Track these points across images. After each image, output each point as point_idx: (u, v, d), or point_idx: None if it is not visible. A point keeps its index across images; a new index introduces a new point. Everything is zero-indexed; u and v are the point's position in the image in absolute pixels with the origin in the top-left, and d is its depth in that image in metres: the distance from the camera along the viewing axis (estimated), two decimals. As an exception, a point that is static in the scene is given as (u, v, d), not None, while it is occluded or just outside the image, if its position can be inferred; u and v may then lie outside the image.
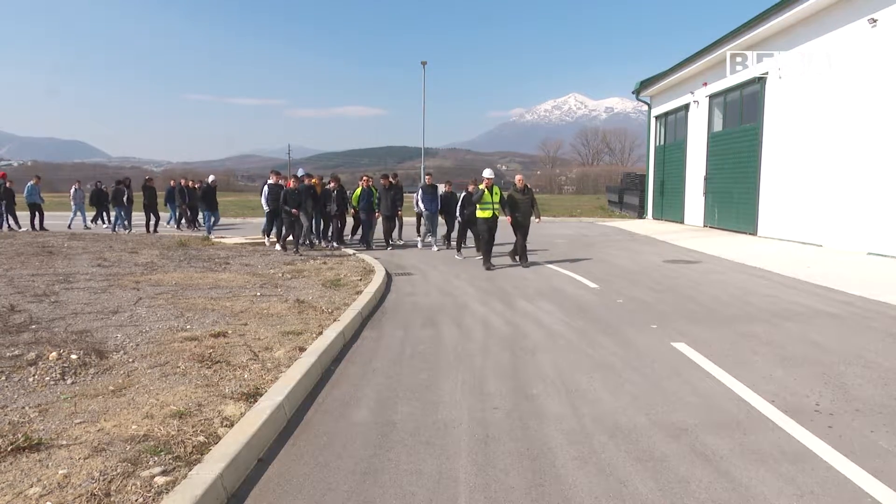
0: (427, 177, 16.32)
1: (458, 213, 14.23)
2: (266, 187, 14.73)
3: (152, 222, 19.88)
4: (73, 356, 5.03)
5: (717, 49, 18.53)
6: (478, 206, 12.00)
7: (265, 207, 14.63)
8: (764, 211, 16.94)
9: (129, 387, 4.48)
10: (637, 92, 26.58)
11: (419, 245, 15.85)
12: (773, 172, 16.43)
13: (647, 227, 22.78)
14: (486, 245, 12.09)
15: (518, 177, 12.89)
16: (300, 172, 15.90)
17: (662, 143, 25.70)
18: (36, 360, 4.91)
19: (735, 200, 18.67)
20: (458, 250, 14.19)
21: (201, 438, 3.57)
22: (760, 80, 16.93)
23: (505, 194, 12.30)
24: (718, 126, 20.18)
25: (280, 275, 10.21)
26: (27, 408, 4.03)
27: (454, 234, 15.18)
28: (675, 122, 24.22)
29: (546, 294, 9.07)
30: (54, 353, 5.03)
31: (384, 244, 15.69)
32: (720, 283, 9.86)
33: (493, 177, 12.04)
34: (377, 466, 3.50)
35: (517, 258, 12.38)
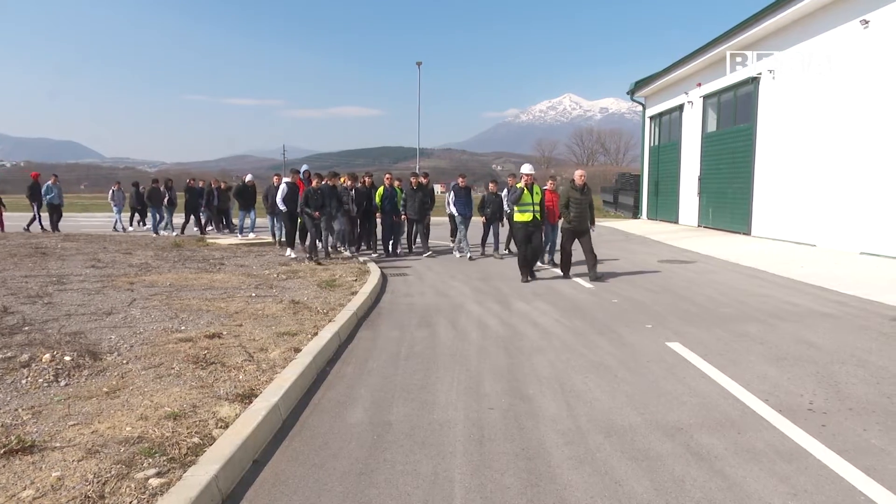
0: (460, 178, 14.44)
1: (481, 213, 13.44)
2: (284, 185, 13.08)
3: (191, 222, 19.47)
4: (67, 358, 5.00)
5: (710, 50, 18.60)
6: (515, 207, 10.29)
7: (282, 207, 12.93)
8: (758, 211, 17.00)
9: (124, 388, 4.47)
10: (632, 92, 26.65)
11: (455, 253, 13.96)
12: (767, 173, 16.50)
13: (642, 227, 22.83)
14: (522, 255, 10.40)
15: (579, 172, 10.52)
16: (303, 169, 14.44)
17: (657, 143, 25.77)
18: (29, 362, 4.89)
19: (729, 200, 18.73)
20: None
21: (196, 440, 3.56)
22: (754, 81, 17.00)
23: (541, 188, 10.75)
24: (712, 126, 20.25)
25: (275, 275, 10.19)
26: (20, 410, 4.01)
27: (486, 240, 14.20)
28: (669, 122, 24.29)
29: (541, 294, 9.08)
30: (48, 355, 5.00)
31: (406, 249, 14.59)
32: (714, 283, 9.89)
33: (533, 172, 10.29)
34: (373, 467, 3.50)
35: (567, 270, 10.66)
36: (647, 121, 26.60)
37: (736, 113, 18.62)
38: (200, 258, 12.36)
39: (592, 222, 10.51)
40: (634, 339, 6.42)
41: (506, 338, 6.51)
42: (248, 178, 19.04)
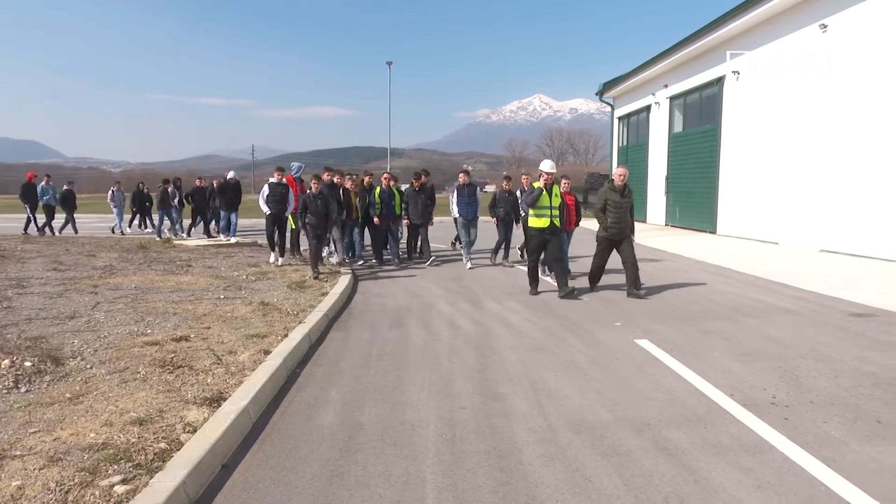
0: (462, 175, 12.52)
1: (491, 213, 12.20)
2: (266, 186, 11.83)
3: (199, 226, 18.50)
4: (28, 363, 4.87)
5: (677, 52, 18.92)
6: (531, 210, 8.74)
7: (264, 209, 11.60)
8: (723, 210, 17.35)
9: (87, 394, 4.37)
10: (600, 93, 26.97)
11: (466, 262, 12.05)
12: (732, 172, 16.85)
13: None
14: (533, 264, 9.06)
15: (619, 170, 8.93)
16: (295, 167, 13.12)
17: (625, 143, 26.12)
18: (-12, 368, 4.75)
19: (695, 200, 19.09)
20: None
21: (163, 445, 3.50)
22: (718, 82, 17.35)
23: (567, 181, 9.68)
24: (679, 127, 20.61)
25: (244, 277, 10.06)
26: (-21, 418, 3.89)
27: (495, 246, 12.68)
28: (637, 122, 24.65)
29: (513, 293, 9.13)
30: (7, 361, 4.86)
31: (406, 256, 13.14)
32: (682, 281, 10.06)
33: (553, 171, 8.70)
34: (344, 469, 3.48)
35: (595, 284, 9.22)
36: (616, 121, 26.95)
37: (701, 114, 18.99)
38: (167, 260, 12.14)
39: (632, 230, 8.91)
40: (604, 337, 6.50)
41: (478, 337, 6.53)
42: (231, 175, 17.33)
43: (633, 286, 8.66)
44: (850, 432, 3.91)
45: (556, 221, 8.73)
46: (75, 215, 19.82)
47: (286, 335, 6.07)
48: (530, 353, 5.91)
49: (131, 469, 3.22)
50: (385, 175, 12.91)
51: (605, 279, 9.42)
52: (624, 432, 3.95)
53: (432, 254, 12.99)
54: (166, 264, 11.46)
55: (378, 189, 12.47)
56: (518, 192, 11.77)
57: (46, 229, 18.83)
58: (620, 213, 8.62)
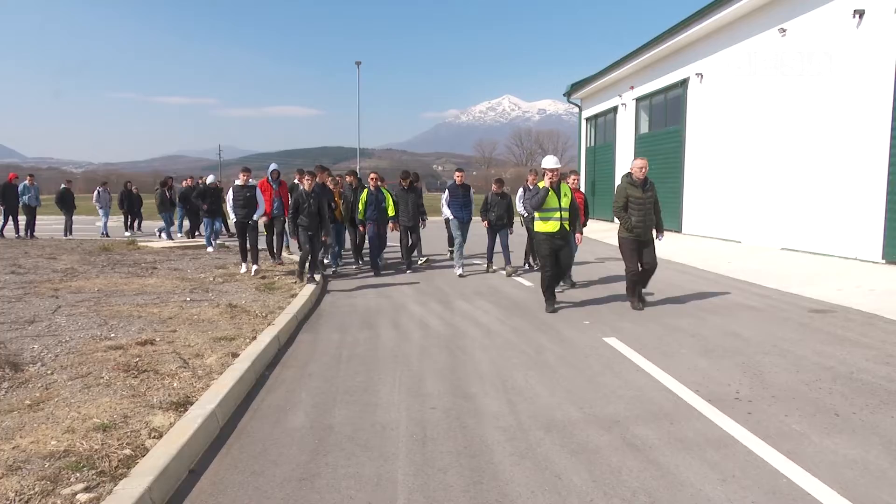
0: (458, 174, 11.51)
1: (483, 217, 11.08)
2: (231, 191, 10.60)
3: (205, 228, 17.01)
4: (-15, 370, 4.72)
5: (642, 54, 19.22)
6: (537, 214, 7.75)
7: (231, 216, 10.57)
8: (687, 210, 17.68)
9: (48, 400, 4.25)
10: (568, 94, 27.24)
11: (458, 269, 11.11)
12: (696, 173, 17.18)
13: (591, 226, 23.39)
14: (548, 276, 7.81)
15: (638, 162, 7.78)
16: (271, 168, 11.81)
17: (593, 144, 26.43)
18: (-58, 376, 4.59)
19: (661, 199, 19.36)
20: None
21: (128, 451, 3.43)
22: (683, 84, 17.68)
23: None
24: (645, 128, 20.93)
25: (211, 279, 9.91)
26: (-67, 427, 3.76)
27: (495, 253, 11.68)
28: (604, 123, 24.96)
29: (483, 293, 9.17)
30: (-37, 368, 4.71)
31: (406, 264, 11.81)
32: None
33: (559, 167, 7.72)
34: (314, 472, 3.45)
35: (638, 298, 7.96)
36: (584, 122, 27.25)
37: (667, 115, 19.32)
38: (131, 262, 11.89)
39: (660, 228, 8.00)
40: (573, 335, 6.57)
41: (448, 337, 6.54)
42: (211, 178, 16.11)
43: (639, 295, 7.95)
44: (810, 425, 4.02)
45: (567, 225, 7.71)
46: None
47: (254, 338, 6.00)
48: (500, 352, 5.94)
49: (95, 476, 3.14)
50: (372, 175, 11.57)
51: (579, 275, 9.50)
52: (593, 429, 4.00)
53: (415, 258, 12.33)
54: (130, 267, 11.22)
55: (366, 191, 11.28)
56: (521, 192, 11.04)
57: (27, 232, 17.86)
58: (645, 211, 7.68)
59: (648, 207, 7.75)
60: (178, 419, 3.89)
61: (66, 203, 18.79)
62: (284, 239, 12.20)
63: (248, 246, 10.66)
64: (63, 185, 19.28)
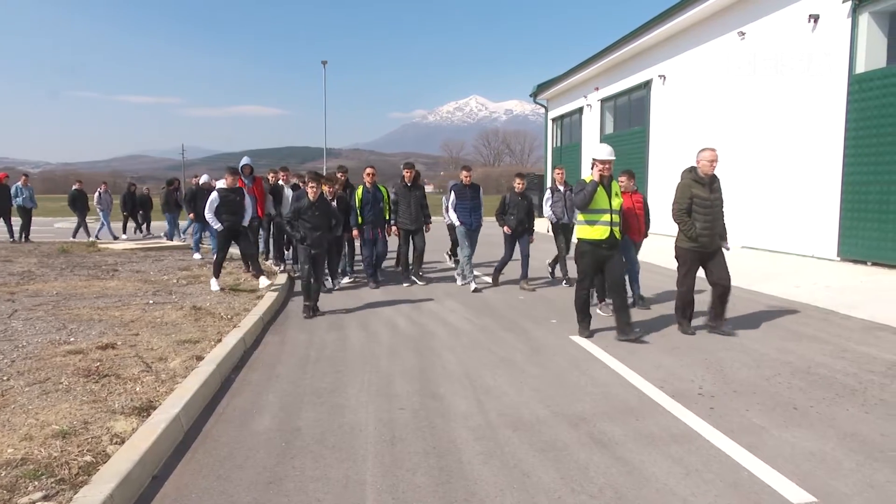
0: (465, 173, 9.72)
1: (500, 220, 9.51)
2: (215, 195, 8.93)
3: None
4: (-64, 377, 4.55)
5: (607, 56, 19.50)
6: (581, 216, 6.32)
7: (215, 225, 8.92)
8: (652, 209, 17.95)
9: (4, 407, 4.12)
10: (535, 95, 27.47)
11: (458, 280, 9.94)
12: (660, 173, 17.49)
13: (546, 224, 23.61)
14: (584, 292, 6.45)
15: (707, 153, 6.33)
16: (243, 163, 10.83)
17: (559, 144, 26.70)
18: None
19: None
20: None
21: (88, 458, 3.34)
22: (646, 86, 17.98)
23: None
24: (610, 128, 21.23)
25: (174, 281, 9.72)
26: None
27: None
28: (570, 124, 25.24)
29: (452, 293, 9.18)
30: (-88, 375, 4.53)
31: (405, 275, 10.05)
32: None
33: (613, 158, 6.24)
34: (281, 475, 3.42)
35: (719, 323, 6.49)
36: (550, 122, 27.51)
37: (631, 116, 19.63)
38: (91, 264, 11.59)
39: (724, 236, 6.56)
40: (540, 334, 6.63)
41: (417, 337, 6.53)
42: (205, 178, 13.80)
43: (719, 318, 6.46)
44: (770, 419, 4.13)
45: (617, 231, 6.28)
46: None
47: (220, 340, 5.91)
48: (469, 351, 5.96)
49: (54, 484, 3.06)
50: (370, 170, 9.80)
51: (532, 278, 9.56)
52: (560, 427, 4.04)
53: (422, 273, 10.29)
54: (90, 269, 10.93)
55: (360, 189, 9.59)
56: (548, 194, 9.75)
57: (21, 235, 16.88)
58: (712, 216, 6.29)
59: (717, 211, 6.34)
60: (140, 424, 3.80)
61: (79, 205, 18.04)
62: (263, 246, 11.64)
63: (235, 255, 9.39)
64: (75, 187, 18.53)
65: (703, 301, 7.01)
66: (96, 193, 18.83)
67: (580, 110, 23.34)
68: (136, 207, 19.98)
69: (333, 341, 6.40)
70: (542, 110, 28.38)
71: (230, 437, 3.95)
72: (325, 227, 7.81)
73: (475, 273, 9.74)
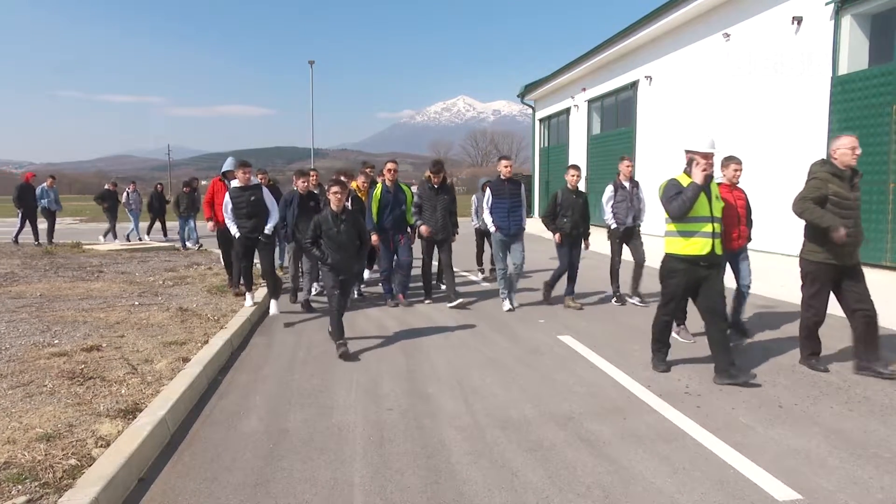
0: (504, 163, 7.86)
1: (549, 225, 8.11)
2: (227, 196, 7.54)
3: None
4: (-83, 380, 4.49)
5: (593, 56, 19.57)
6: (672, 226, 5.25)
7: (234, 230, 7.47)
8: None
9: (-14, 411, 4.07)
10: (522, 95, 27.51)
11: (505, 303, 7.93)
12: (647, 173, 17.57)
13: (535, 225, 23.66)
14: (667, 315, 5.36)
15: (846, 140, 4.97)
16: (230, 165, 8.82)
17: (547, 144, 26.77)
18: None
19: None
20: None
21: (73, 461, 3.31)
22: (633, 87, 18.08)
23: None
24: (597, 129, 21.32)
25: (161, 282, 9.64)
26: None
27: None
28: (557, 125, 25.31)
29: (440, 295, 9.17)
30: None
31: (423, 291, 8.61)
32: (602, 278, 10.40)
33: (714, 150, 5.03)
34: (269, 477, 3.40)
35: (873, 357, 5.00)
36: (537, 123, 27.58)
37: (618, 116, 19.72)
38: (76, 266, 11.47)
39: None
40: (528, 334, 6.65)
41: (405, 338, 6.52)
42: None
43: (874, 356, 5.00)
44: (756, 417, 4.17)
45: (719, 244, 5.05)
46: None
47: (206, 341, 5.87)
48: (457, 352, 5.96)
49: (38, 488, 3.02)
50: (390, 165, 8.24)
51: (521, 277, 9.55)
52: (548, 426, 4.06)
53: (458, 294, 8.24)
54: (75, 270, 10.82)
55: (379, 189, 8.08)
56: (610, 192, 8.13)
57: (48, 237, 16.36)
58: (853, 219, 4.97)
59: (857, 213, 5.02)
60: (126, 427, 3.77)
61: (109, 205, 17.68)
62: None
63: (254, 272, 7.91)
64: (106, 186, 18.15)
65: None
66: (125, 194, 18.45)
67: (567, 111, 23.41)
68: (163, 209, 19.05)
69: (321, 342, 6.37)
70: (530, 111, 28.43)
71: (217, 439, 3.93)
72: (353, 249, 6.15)
73: (506, 289, 8.00)
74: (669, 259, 5.29)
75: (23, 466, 3.23)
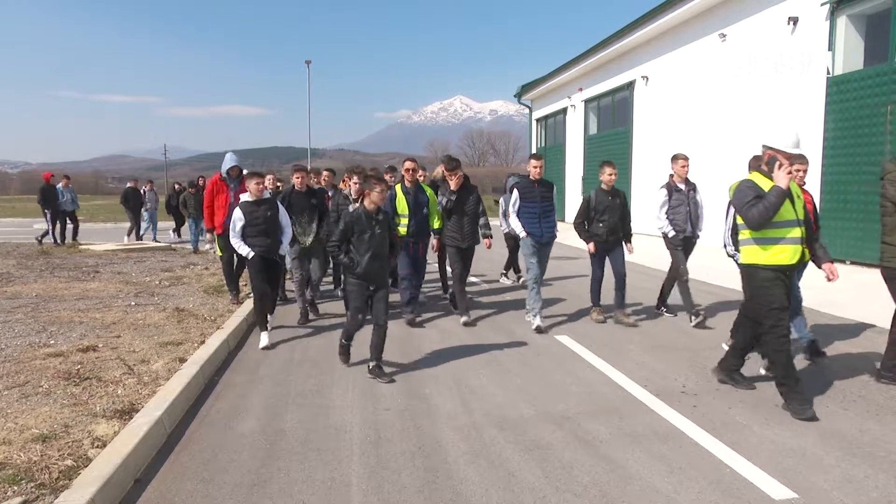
0: (534, 163, 6.89)
1: (582, 232, 7.24)
2: (238, 211, 6.36)
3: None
4: (-88, 381, 4.47)
5: (590, 56, 19.60)
6: (748, 233, 4.43)
7: (243, 250, 6.30)
8: (636, 210, 18.05)
9: (-18, 411, 4.06)
10: (519, 95, 27.53)
11: (529, 317, 6.95)
12: (643, 173, 17.62)
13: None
14: (788, 352, 4.28)
15: None
16: (232, 163, 8.20)
17: (543, 144, 26.79)
18: None
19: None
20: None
21: (69, 462, 3.30)
22: (629, 87, 18.11)
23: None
24: (594, 129, 21.35)
25: (157, 282, 9.62)
26: None
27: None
28: (554, 124, 25.34)
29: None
30: None
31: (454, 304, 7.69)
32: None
33: (798, 150, 4.53)
34: (266, 477, 3.40)
35: None
36: (534, 123, 27.60)
37: (614, 116, 19.75)
38: (72, 266, 11.44)
39: None
40: (526, 333, 6.64)
41: (403, 338, 6.52)
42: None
43: None
44: (752, 417, 4.18)
45: (807, 251, 4.57)
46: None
47: (203, 342, 5.86)
48: (454, 352, 5.96)
49: (34, 489, 3.02)
50: (408, 164, 7.25)
51: (518, 278, 9.55)
52: (545, 426, 4.06)
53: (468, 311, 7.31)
54: (71, 270, 10.79)
55: (399, 190, 7.13)
56: (664, 195, 7.28)
57: (73, 237, 16.29)
58: None
59: None
60: (122, 427, 3.76)
61: (131, 204, 17.46)
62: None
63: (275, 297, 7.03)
64: (129, 185, 17.94)
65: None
66: (142, 192, 18.20)
67: (564, 111, 23.44)
68: (179, 210, 18.69)
69: (318, 343, 6.37)
70: (527, 111, 28.45)
71: (214, 439, 3.92)
72: (385, 255, 5.41)
73: (536, 304, 6.88)
74: (756, 271, 4.41)
75: (18, 467, 3.22)
